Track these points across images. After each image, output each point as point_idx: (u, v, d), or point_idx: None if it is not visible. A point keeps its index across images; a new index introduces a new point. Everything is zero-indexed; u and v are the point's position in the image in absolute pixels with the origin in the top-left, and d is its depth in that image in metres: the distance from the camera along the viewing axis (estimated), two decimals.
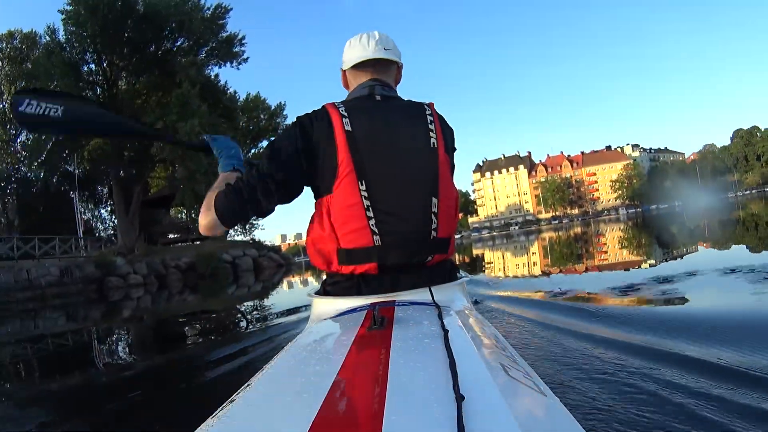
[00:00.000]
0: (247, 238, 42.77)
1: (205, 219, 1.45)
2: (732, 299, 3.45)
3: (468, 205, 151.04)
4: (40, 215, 34.43)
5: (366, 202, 1.36)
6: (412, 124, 1.48)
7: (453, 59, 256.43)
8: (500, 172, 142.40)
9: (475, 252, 22.54)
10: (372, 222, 1.36)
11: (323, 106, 1.45)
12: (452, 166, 1.56)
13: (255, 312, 8.32)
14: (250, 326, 5.97)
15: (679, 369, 2.16)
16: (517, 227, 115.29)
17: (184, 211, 45.64)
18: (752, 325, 2.70)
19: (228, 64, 32.79)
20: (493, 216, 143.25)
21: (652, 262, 7.29)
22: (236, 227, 47.46)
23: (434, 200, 1.41)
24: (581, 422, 0.70)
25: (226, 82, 34.62)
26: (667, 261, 7.15)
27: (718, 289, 4.00)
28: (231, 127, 33.57)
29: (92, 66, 28.52)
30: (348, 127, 1.38)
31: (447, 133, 1.54)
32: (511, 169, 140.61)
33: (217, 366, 3.48)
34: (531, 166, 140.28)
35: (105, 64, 28.73)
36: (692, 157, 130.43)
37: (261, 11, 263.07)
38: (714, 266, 5.35)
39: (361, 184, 1.36)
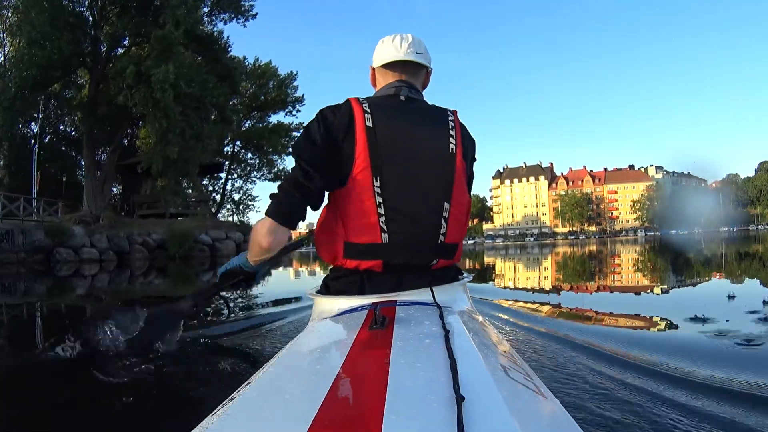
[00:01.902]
0: (237, 219, 39.05)
1: (263, 231, 1.40)
2: (744, 329, 3.40)
3: (484, 211, 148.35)
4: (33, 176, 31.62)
5: (378, 199, 1.37)
6: (433, 128, 1.48)
7: (483, 63, 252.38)
8: (520, 181, 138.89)
9: (486, 260, 20.56)
10: (382, 219, 1.38)
11: (347, 100, 1.47)
12: (470, 176, 1.59)
13: (239, 300, 7.50)
14: (233, 315, 5.60)
15: (690, 391, 2.18)
16: (532, 239, 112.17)
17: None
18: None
19: (234, 21, 29.14)
20: (508, 225, 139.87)
21: (665, 287, 7.23)
22: (229, 207, 43.41)
23: (446, 205, 1.42)
24: (581, 424, 0.71)
25: (228, 38, 30.40)
26: (679, 288, 7.16)
27: (728, 318, 3.87)
28: (230, 91, 29.67)
29: (78, 8, 25.08)
30: (369, 123, 1.40)
31: (467, 142, 1.55)
32: (532, 178, 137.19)
33: (207, 357, 3.46)
34: (552, 178, 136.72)
35: (96, 10, 25.29)
36: (714, 184, 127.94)
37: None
38: (726, 296, 5.37)
39: (376, 181, 1.37)
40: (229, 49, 30.41)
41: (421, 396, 0.67)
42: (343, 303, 1.37)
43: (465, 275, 1.63)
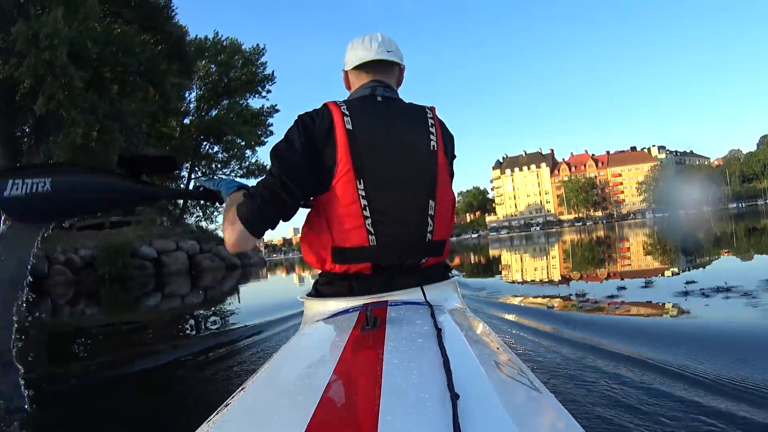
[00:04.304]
0: (195, 225, 31.72)
1: (232, 234, 1.42)
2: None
3: (486, 203, 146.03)
4: None
5: (363, 202, 1.37)
6: (412, 126, 1.48)
7: (475, 53, 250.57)
8: (521, 170, 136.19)
9: (492, 253, 20.01)
10: (368, 222, 1.37)
11: (324, 104, 1.46)
12: (451, 173, 1.57)
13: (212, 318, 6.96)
14: (203, 331, 5.49)
15: (693, 386, 2.05)
16: (538, 228, 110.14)
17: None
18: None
19: None
20: (512, 215, 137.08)
21: (675, 270, 7.09)
22: (194, 212, 37.12)
23: (431, 203, 1.42)
24: (577, 418, 0.71)
25: (172, 2, 25.03)
26: (689, 270, 6.89)
27: (746, 304, 3.71)
28: (183, 68, 25.46)
29: None
30: (349, 126, 1.39)
31: (447, 138, 1.54)
32: (533, 166, 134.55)
33: (200, 365, 3.49)
34: (554, 165, 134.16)
35: None
36: (717, 162, 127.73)
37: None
38: (741, 277, 5.10)
39: (359, 183, 1.37)
40: (175, 17, 25.62)
41: (416, 395, 0.66)
42: (333, 305, 1.37)
43: (455, 273, 1.61)
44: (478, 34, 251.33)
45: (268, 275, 18.70)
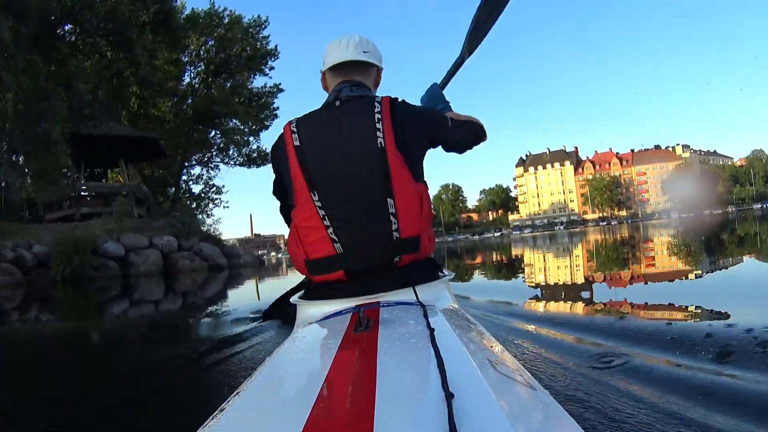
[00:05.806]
0: (179, 219, 23.94)
1: None
2: None
3: (509, 202, 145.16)
4: None
5: (321, 212, 1.41)
6: (359, 126, 1.45)
7: (498, 51, 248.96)
8: (544, 168, 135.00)
9: (514, 252, 19.29)
10: (330, 231, 1.41)
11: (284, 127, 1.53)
12: (418, 154, 1.53)
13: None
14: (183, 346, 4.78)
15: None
16: (561, 227, 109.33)
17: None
18: None
19: None
20: (535, 214, 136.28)
21: (699, 272, 6.93)
22: (189, 203, 32.70)
23: (390, 201, 1.40)
24: (573, 415, 0.71)
25: None
26: (713, 272, 6.81)
27: None
28: (168, 40, 23.32)
29: None
30: (296, 142, 1.45)
31: (404, 124, 1.46)
32: (557, 164, 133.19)
33: (195, 370, 3.40)
34: (578, 163, 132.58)
35: None
36: (740, 162, 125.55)
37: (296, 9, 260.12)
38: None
39: (314, 195, 1.41)
40: None
41: (411, 396, 0.68)
42: (326, 307, 1.38)
43: (446, 273, 1.62)
44: (499, 31, 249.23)
45: (288, 272, 17.16)
